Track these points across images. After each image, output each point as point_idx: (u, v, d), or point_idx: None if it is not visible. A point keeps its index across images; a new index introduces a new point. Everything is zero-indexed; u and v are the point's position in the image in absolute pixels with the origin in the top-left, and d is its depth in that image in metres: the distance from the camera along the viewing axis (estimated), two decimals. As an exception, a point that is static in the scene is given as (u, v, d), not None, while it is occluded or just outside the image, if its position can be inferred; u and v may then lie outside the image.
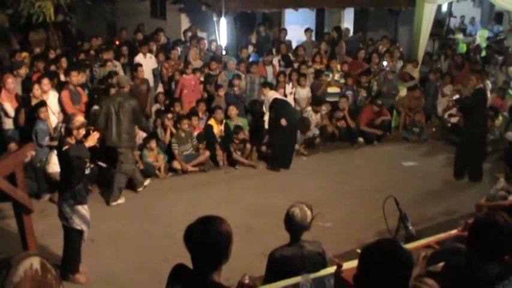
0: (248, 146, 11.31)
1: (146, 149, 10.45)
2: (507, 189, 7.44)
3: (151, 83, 12.66)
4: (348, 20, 17.75)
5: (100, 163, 9.20)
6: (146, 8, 17.47)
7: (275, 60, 13.97)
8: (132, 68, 11.98)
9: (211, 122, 11.30)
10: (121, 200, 9.33)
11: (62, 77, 10.84)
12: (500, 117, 12.66)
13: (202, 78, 12.61)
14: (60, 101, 9.95)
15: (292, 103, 12.51)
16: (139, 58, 12.44)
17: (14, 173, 6.20)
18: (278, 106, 11.02)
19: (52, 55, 12.09)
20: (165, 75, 12.90)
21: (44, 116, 9.17)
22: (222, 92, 11.98)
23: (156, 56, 13.02)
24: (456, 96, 11.38)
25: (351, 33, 17.04)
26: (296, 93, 12.82)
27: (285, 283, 4.31)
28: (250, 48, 14.43)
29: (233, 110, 11.51)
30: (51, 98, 9.83)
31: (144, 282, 6.84)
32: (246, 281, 3.83)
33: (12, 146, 8.80)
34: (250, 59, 13.83)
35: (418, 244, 5.07)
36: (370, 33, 18.48)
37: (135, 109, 9.20)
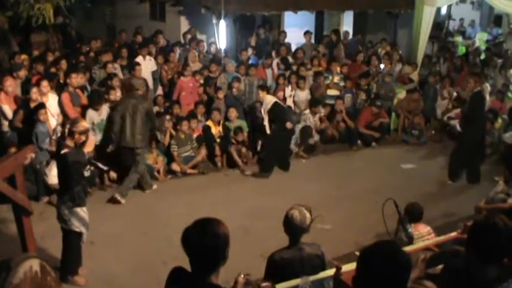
0: (244, 149, 11.31)
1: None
2: (506, 191, 7.45)
3: (151, 86, 12.68)
4: (347, 23, 17.75)
5: (100, 165, 9.22)
6: (146, 11, 17.47)
7: (274, 63, 13.98)
8: (130, 67, 11.97)
9: (209, 123, 11.36)
10: (123, 200, 9.37)
11: (62, 79, 10.83)
12: (500, 120, 12.66)
13: (201, 81, 12.61)
14: (60, 103, 9.93)
15: (292, 106, 12.55)
16: (138, 60, 12.43)
17: (14, 175, 6.21)
18: (279, 110, 11.01)
19: (50, 57, 12.08)
20: (165, 77, 12.90)
21: (44, 118, 9.18)
22: (221, 95, 12.00)
23: (155, 59, 13.02)
24: (454, 94, 11.41)
25: (350, 36, 17.04)
26: (295, 96, 12.82)
27: (285, 285, 4.31)
28: (250, 51, 14.43)
29: (233, 112, 11.54)
30: (51, 100, 9.80)
31: (143, 284, 6.84)
32: (241, 279, 3.83)
33: (13, 149, 8.80)
34: (250, 62, 13.84)
35: (417, 246, 5.08)
36: (370, 35, 18.48)
37: (149, 111, 9.62)
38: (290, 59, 14.24)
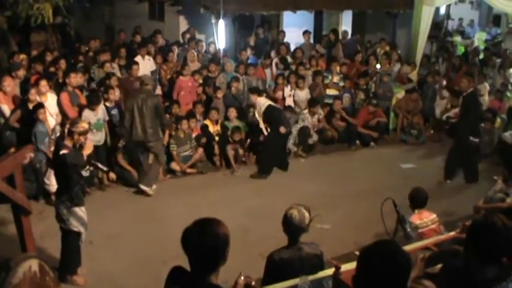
0: (241, 150, 11.32)
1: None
2: (505, 191, 7.48)
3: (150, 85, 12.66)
4: (346, 23, 17.75)
5: (100, 165, 9.24)
6: (144, 10, 17.45)
7: (273, 63, 13.99)
8: (129, 67, 11.99)
9: (207, 122, 11.38)
10: (152, 192, 9.72)
11: (61, 79, 10.82)
12: (498, 120, 12.68)
13: (200, 81, 12.61)
14: (59, 103, 9.92)
15: (292, 105, 12.58)
16: (137, 60, 12.42)
17: (13, 175, 6.21)
18: (273, 113, 10.96)
19: (49, 57, 12.06)
20: (164, 77, 12.90)
21: (43, 118, 9.17)
22: (220, 94, 12.03)
23: (154, 58, 13.02)
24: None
25: (349, 36, 17.05)
26: (295, 96, 12.84)
27: (284, 285, 4.32)
28: (248, 51, 14.44)
29: (232, 112, 11.56)
30: (50, 100, 9.77)
31: (142, 284, 6.84)
32: (241, 280, 3.83)
33: (12, 149, 8.79)
34: (249, 61, 13.85)
35: (416, 246, 5.09)
36: (368, 35, 18.49)
37: (158, 106, 9.73)
38: (289, 59, 14.26)
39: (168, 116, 10.95)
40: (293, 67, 13.75)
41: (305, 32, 15.88)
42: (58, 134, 9.29)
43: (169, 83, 12.76)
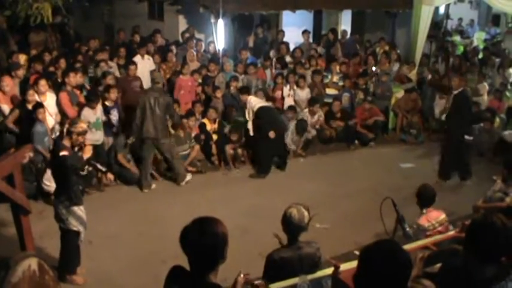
0: (240, 150, 11.33)
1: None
2: (504, 190, 7.47)
3: (149, 85, 12.66)
4: (345, 22, 17.75)
5: (99, 166, 9.24)
6: (144, 10, 17.45)
7: (272, 62, 14.01)
8: (126, 66, 12.02)
9: (205, 120, 11.38)
10: (189, 177, 10.30)
11: (60, 78, 10.81)
12: (498, 119, 12.69)
13: (200, 80, 12.62)
14: (58, 103, 9.91)
15: (292, 104, 12.59)
16: (136, 60, 12.44)
17: (12, 175, 6.21)
18: (264, 114, 10.88)
19: (47, 57, 12.04)
20: (163, 76, 12.89)
21: (42, 118, 9.16)
22: (219, 94, 12.03)
23: (153, 58, 13.02)
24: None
25: (348, 35, 17.05)
26: (295, 95, 12.85)
27: (283, 284, 4.32)
28: (247, 52, 14.44)
29: (233, 112, 11.59)
30: (49, 99, 9.77)
31: (142, 283, 6.85)
32: (241, 279, 3.83)
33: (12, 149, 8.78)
34: (248, 61, 13.85)
35: (415, 245, 5.09)
36: (368, 35, 18.50)
37: (170, 104, 10.01)
38: (289, 58, 14.27)
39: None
40: (292, 66, 13.77)
41: (304, 32, 15.89)
42: (57, 134, 9.31)
43: (168, 82, 12.76)
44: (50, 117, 9.65)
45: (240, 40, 16.49)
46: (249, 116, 11.09)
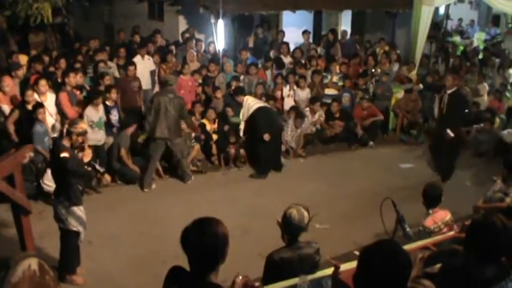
0: (242, 151, 11.34)
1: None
2: (504, 191, 7.46)
3: (149, 85, 12.70)
4: (345, 22, 17.76)
5: (97, 166, 9.26)
6: (144, 10, 17.46)
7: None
8: (125, 66, 12.05)
9: (204, 121, 11.38)
10: (192, 177, 10.44)
11: (60, 78, 10.81)
12: (498, 120, 12.69)
13: (200, 80, 12.61)
14: (57, 103, 9.91)
15: (293, 104, 12.61)
16: (136, 60, 12.46)
17: (13, 175, 6.21)
18: (261, 116, 10.84)
19: (47, 58, 12.04)
20: (163, 76, 12.89)
21: (42, 118, 9.16)
22: (219, 94, 12.03)
23: (153, 58, 13.03)
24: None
25: (348, 36, 17.05)
26: (296, 95, 12.86)
27: (283, 285, 4.32)
28: (247, 52, 14.45)
29: (229, 112, 11.61)
30: (49, 99, 9.79)
31: (141, 283, 6.84)
32: (239, 280, 3.83)
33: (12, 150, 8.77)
34: (248, 61, 13.86)
35: (415, 246, 5.09)
36: (368, 35, 18.51)
37: (183, 106, 10.13)
38: (285, 58, 14.28)
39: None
40: (291, 67, 13.79)
41: (304, 32, 15.90)
42: (57, 132, 9.32)
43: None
44: (50, 117, 9.66)
45: (240, 40, 16.50)
46: (243, 117, 11.07)
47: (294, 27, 16.17)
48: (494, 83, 14.84)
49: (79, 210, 6.62)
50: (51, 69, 11.37)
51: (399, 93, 13.93)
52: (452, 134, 10.33)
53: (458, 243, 4.29)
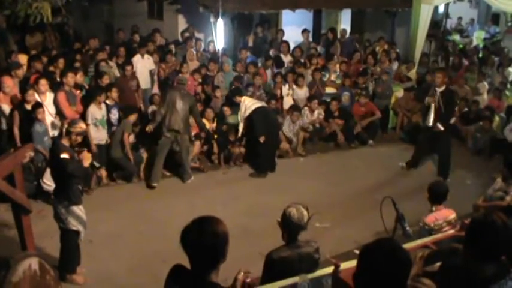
0: (242, 149, 11.34)
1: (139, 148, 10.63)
2: (504, 189, 7.48)
3: (149, 84, 12.69)
4: (345, 21, 17.75)
5: (95, 163, 9.28)
6: (143, 9, 17.44)
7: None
8: (123, 65, 12.06)
9: (204, 120, 11.32)
10: (192, 177, 10.49)
11: (59, 78, 10.80)
12: (497, 118, 12.69)
13: (199, 79, 12.61)
14: (55, 102, 9.90)
15: (292, 103, 12.61)
16: (136, 59, 12.46)
17: (13, 174, 6.21)
18: (258, 117, 10.81)
19: (45, 58, 12.03)
20: (162, 76, 12.90)
21: (41, 117, 9.16)
22: (218, 93, 12.02)
23: (153, 57, 13.03)
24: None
25: (348, 34, 17.04)
26: (294, 94, 12.86)
27: (283, 283, 4.32)
28: (247, 51, 14.45)
29: (227, 111, 11.61)
30: (49, 99, 9.78)
31: (142, 283, 6.85)
32: (241, 276, 3.83)
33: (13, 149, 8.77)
34: (248, 60, 13.86)
35: (415, 244, 5.09)
36: (367, 34, 18.49)
37: (195, 104, 10.51)
38: (285, 57, 14.29)
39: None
40: (291, 65, 13.79)
41: (304, 31, 15.90)
42: (57, 129, 9.33)
43: (166, 80, 12.75)
44: (50, 116, 9.65)
45: (240, 39, 16.50)
46: (241, 117, 11.07)
47: (294, 26, 16.16)
48: (493, 81, 14.85)
49: (79, 209, 6.62)
50: (51, 68, 11.34)
51: (399, 92, 13.93)
52: (442, 128, 10.38)
53: (458, 241, 4.29)
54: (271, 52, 14.80)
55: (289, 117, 12.07)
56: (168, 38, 15.18)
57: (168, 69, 12.97)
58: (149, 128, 10.32)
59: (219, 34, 14.07)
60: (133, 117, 10.29)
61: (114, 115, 10.56)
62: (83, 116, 9.75)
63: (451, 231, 5.63)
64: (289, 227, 4.63)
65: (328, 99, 13.07)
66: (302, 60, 14.15)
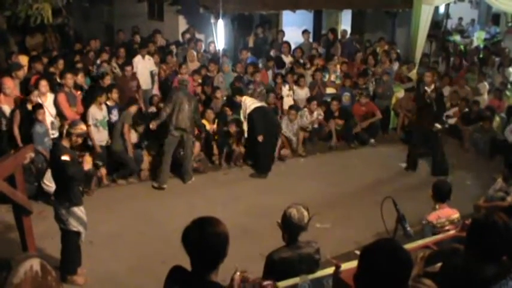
0: (242, 149, 11.34)
1: (143, 148, 10.63)
2: (505, 190, 7.48)
3: (150, 85, 12.69)
4: (345, 22, 17.77)
5: (97, 162, 9.25)
6: (144, 10, 17.46)
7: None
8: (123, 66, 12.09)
9: (204, 121, 11.34)
10: (193, 178, 10.50)
11: (59, 79, 10.80)
12: (498, 118, 12.69)
13: (199, 80, 12.61)
14: (56, 104, 9.91)
15: (292, 103, 12.60)
16: (137, 60, 12.46)
17: (13, 175, 6.21)
18: (257, 116, 10.83)
19: (46, 59, 12.04)
20: (163, 77, 12.90)
21: (42, 119, 9.16)
22: (219, 94, 12.02)
23: (153, 58, 13.04)
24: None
25: (348, 35, 17.05)
26: (295, 95, 12.86)
27: (284, 284, 4.32)
28: (248, 52, 14.45)
29: (227, 112, 11.61)
30: (49, 99, 9.79)
31: (142, 283, 6.85)
32: (237, 276, 3.84)
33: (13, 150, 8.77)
34: (248, 61, 13.86)
35: (416, 245, 5.09)
36: (368, 34, 18.51)
37: (197, 106, 10.66)
38: (286, 58, 14.29)
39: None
40: (291, 66, 13.80)
41: (304, 32, 15.90)
42: (56, 130, 9.33)
43: (166, 81, 12.76)
44: (51, 117, 9.66)
45: (240, 40, 16.51)
46: (243, 118, 11.08)
47: (294, 27, 16.18)
48: (494, 81, 14.85)
49: (79, 210, 6.62)
50: (51, 69, 11.34)
51: (400, 93, 13.93)
52: (439, 127, 10.48)
53: (459, 242, 4.29)
54: (272, 53, 14.80)
55: (287, 116, 12.06)
56: (168, 39, 15.19)
57: (168, 70, 12.98)
58: (153, 124, 10.30)
59: (219, 35, 14.09)
60: (133, 109, 10.29)
61: (115, 116, 10.57)
62: (84, 117, 9.76)
63: (452, 232, 5.62)
64: (290, 228, 4.62)
65: (329, 99, 13.07)
66: (302, 61, 14.14)
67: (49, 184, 8.66)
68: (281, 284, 4.33)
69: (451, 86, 14.03)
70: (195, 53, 13.68)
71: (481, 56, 17.25)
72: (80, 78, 10.64)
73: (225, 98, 12.18)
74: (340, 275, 4.22)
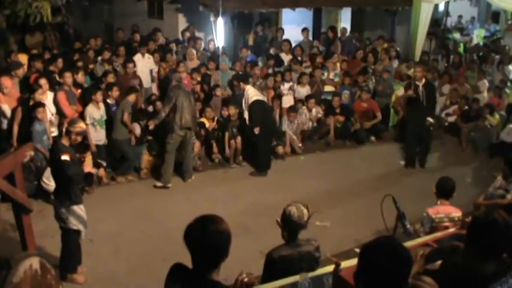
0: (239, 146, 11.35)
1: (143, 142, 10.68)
2: (505, 187, 7.47)
3: (149, 84, 12.68)
4: (345, 20, 17.77)
5: (99, 161, 9.24)
6: (143, 8, 17.44)
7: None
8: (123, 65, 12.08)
9: (203, 119, 11.38)
10: (193, 177, 10.51)
11: (58, 77, 10.80)
12: (497, 116, 12.68)
13: (199, 78, 12.61)
14: (55, 102, 9.90)
15: (292, 102, 12.61)
16: (137, 58, 12.45)
17: (13, 173, 6.20)
18: (256, 109, 10.83)
19: (45, 57, 12.01)
20: (163, 75, 12.89)
21: (41, 117, 9.15)
22: (219, 92, 12.01)
23: (153, 56, 13.03)
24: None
25: (348, 33, 17.04)
26: (296, 92, 12.85)
27: (284, 282, 4.32)
28: (247, 50, 14.44)
29: (231, 110, 11.58)
30: (48, 98, 9.77)
31: (143, 282, 6.85)
32: (244, 279, 3.83)
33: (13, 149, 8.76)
34: (248, 59, 13.86)
35: (416, 242, 5.09)
36: (367, 32, 18.49)
37: (195, 102, 10.77)
38: (286, 56, 14.28)
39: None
40: (288, 63, 13.82)
41: (304, 30, 15.89)
42: (55, 127, 9.33)
43: (165, 79, 12.74)
44: (50, 115, 9.65)
45: (240, 38, 16.50)
46: (245, 106, 11.07)
47: (294, 25, 16.17)
48: (494, 79, 14.83)
49: (79, 209, 6.62)
50: (51, 68, 11.33)
51: (399, 91, 13.90)
52: (432, 120, 10.65)
53: (458, 239, 4.29)
54: (272, 51, 14.79)
55: (287, 117, 12.06)
56: (168, 37, 15.18)
57: (168, 68, 12.96)
58: (151, 124, 10.30)
59: (219, 33, 14.07)
60: (132, 97, 10.30)
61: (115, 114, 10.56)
62: (83, 116, 9.76)
63: (452, 229, 5.62)
64: (290, 226, 4.62)
65: (329, 97, 13.06)
66: (299, 58, 14.13)
67: (48, 182, 8.66)
68: (281, 282, 4.33)
69: (450, 84, 14.02)
70: (194, 51, 13.66)
71: (480, 53, 17.23)
72: (80, 77, 10.62)
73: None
74: (340, 273, 4.22)
